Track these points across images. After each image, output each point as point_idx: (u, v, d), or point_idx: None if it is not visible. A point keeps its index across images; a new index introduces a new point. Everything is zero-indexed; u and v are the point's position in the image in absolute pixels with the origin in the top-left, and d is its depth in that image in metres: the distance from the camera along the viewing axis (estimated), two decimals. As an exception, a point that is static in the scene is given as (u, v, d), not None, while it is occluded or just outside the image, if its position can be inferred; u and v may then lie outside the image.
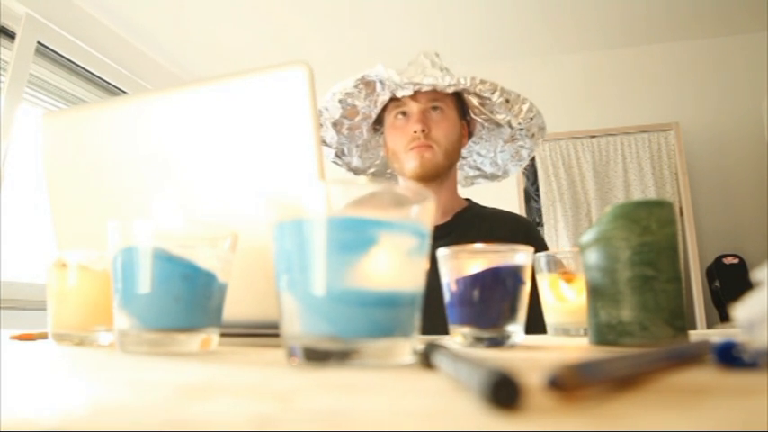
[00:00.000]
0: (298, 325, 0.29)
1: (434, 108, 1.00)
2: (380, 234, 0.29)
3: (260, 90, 0.46)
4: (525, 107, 0.99)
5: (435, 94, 1.00)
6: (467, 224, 1.04)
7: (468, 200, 1.11)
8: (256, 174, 0.47)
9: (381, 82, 0.97)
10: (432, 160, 0.98)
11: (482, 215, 1.07)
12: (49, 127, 0.57)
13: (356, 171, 1.18)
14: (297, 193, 0.31)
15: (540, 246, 1.01)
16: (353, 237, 0.29)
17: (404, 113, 1.01)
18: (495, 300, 0.45)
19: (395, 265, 0.30)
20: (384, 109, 1.05)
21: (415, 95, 0.99)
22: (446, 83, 0.94)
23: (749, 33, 2.62)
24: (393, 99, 1.02)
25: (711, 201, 2.52)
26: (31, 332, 0.54)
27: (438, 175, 1.00)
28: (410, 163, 0.99)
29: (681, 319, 0.40)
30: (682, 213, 2.37)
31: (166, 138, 0.51)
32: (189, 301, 0.37)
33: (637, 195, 2.44)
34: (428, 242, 0.31)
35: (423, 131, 0.97)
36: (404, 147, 1.00)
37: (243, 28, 2.56)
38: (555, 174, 2.57)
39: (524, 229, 1.05)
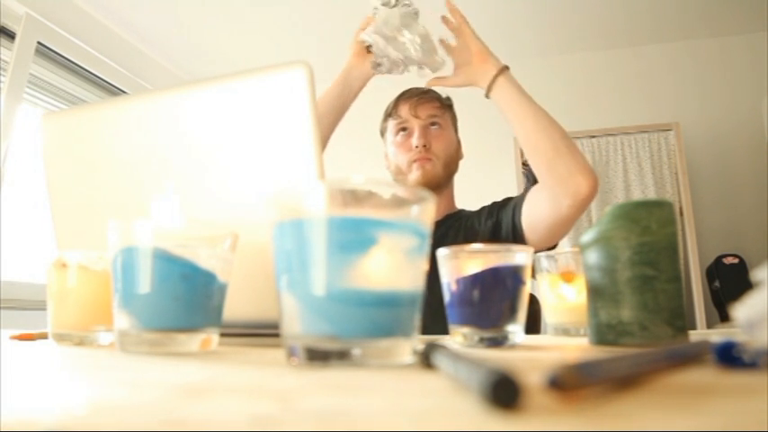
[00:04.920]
0: (298, 325, 0.29)
1: (433, 124, 1.09)
2: (380, 234, 0.29)
3: (260, 90, 0.46)
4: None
5: (435, 111, 1.09)
6: (455, 224, 1.09)
7: (457, 208, 1.17)
8: (256, 174, 0.47)
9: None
10: (432, 171, 1.06)
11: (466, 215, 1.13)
12: (49, 127, 0.57)
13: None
14: (297, 193, 0.31)
15: (498, 203, 1.06)
16: (353, 237, 0.29)
17: (404, 129, 1.10)
18: (495, 300, 0.45)
19: (395, 265, 0.30)
20: (385, 124, 1.14)
21: (416, 112, 1.08)
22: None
23: (749, 33, 2.62)
24: (394, 117, 1.10)
25: (711, 201, 2.52)
26: (31, 332, 0.54)
27: (438, 185, 1.08)
28: (413, 174, 1.06)
29: (681, 319, 0.40)
30: (682, 213, 2.37)
31: (166, 138, 0.51)
32: (189, 301, 0.37)
33: (637, 195, 2.44)
34: (428, 242, 0.31)
35: (424, 146, 1.05)
36: (407, 161, 1.07)
37: (243, 28, 2.56)
38: (555, 174, 2.56)
39: (489, 205, 1.10)
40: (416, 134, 1.06)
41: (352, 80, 1.03)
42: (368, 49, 1.00)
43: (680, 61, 2.71)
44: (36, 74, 2.10)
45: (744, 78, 2.60)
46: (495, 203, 1.08)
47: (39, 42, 2.05)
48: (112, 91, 2.48)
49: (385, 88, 1.18)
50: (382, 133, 1.18)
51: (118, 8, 2.36)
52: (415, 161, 1.06)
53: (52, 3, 2.14)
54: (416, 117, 1.07)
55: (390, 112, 1.12)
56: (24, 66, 1.97)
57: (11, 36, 1.99)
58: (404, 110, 1.09)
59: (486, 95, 0.94)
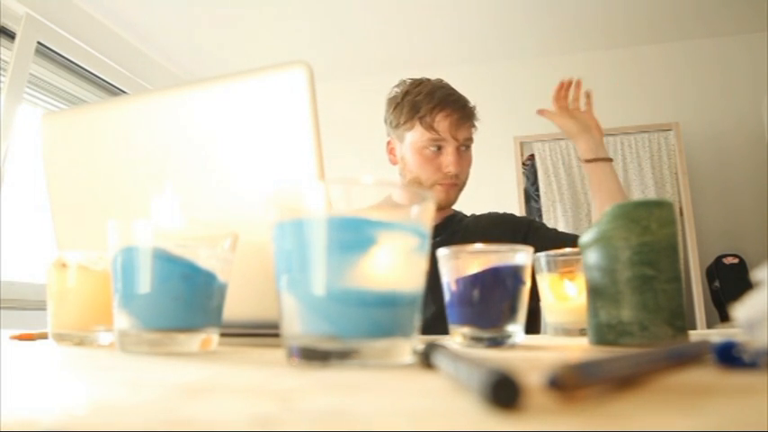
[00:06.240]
0: (298, 325, 0.29)
1: (466, 147, 1.04)
2: (380, 234, 0.29)
3: (260, 90, 0.46)
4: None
5: (470, 133, 1.04)
6: (457, 228, 1.09)
7: (454, 210, 1.15)
8: (256, 174, 0.47)
9: None
10: (454, 195, 1.05)
11: (467, 220, 1.12)
12: (49, 127, 0.57)
13: None
14: (297, 193, 0.31)
15: (525, 224, 1.06)
16: (353, 237, 0.29)
17: (438, 147, 1.01)
18: (495, 300, 0.45)
19: (395, 266, 0.30)
20: (410, 124, 1.03)
21: (456, 133, 1.01)
22: None
23: (749, 33, 2.62)
24: (428, 129, 1.00)
25: (711, 201, 2.52)
26: (31, 332, 0.54)
27: (451, 204, 1.07)
28: (435, 195, 1.01)
29: (681, 319, 0.40)
30: (682, 213, 2.37)
31: (166, 138, 0.51)
32: (189, 301, 0.37)
33: (637, 195, 2.44)
34: (428, 242, 0.31)
35: (456, 175, 1.02)
36: (432, 180, 1.02)
37: (243, 28, 2.56)
38: (555, 174, 2.57)
39: (508, 219, 1.10)
40: (453, 159, 1.00)
41: None
42: None
43: (680, 61, 2.70)
44: (36, 74, 2.09)
45: (744, 78, 2.60)
46: (520, 221, 1.08)
47: (39, 42, 2.05)
48: (112, 91, 2.48)
49: (383, 89, 1.16)
50: (395, 126, 1.06)
51: (118, 8, 2.36)
52: (441, 184, 1.01)
53: (52, 3, 2.14)
54: (455, 139, 1.00)
55: (423, 116, 1.00)
56: (24, 66, 1.97)
57: (11, 36, 1.99)
58: (442, 126, 1.00)
59: (586, 161, 0.99)
